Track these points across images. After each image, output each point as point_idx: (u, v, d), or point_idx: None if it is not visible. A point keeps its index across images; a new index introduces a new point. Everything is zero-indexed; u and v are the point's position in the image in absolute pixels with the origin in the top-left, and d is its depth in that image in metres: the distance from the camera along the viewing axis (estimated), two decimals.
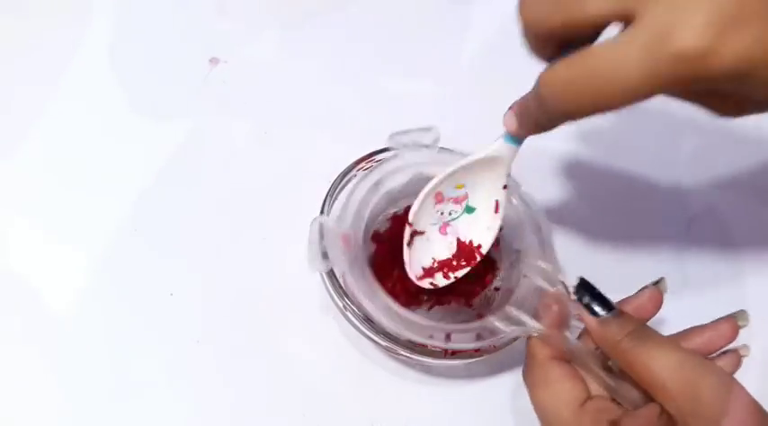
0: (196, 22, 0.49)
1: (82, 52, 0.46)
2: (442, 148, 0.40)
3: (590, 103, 0.25)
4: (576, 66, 0.24)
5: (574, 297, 0.32)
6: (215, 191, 0.42)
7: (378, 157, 0.39)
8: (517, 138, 0.33)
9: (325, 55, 0.50)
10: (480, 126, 0.49)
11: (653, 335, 0.31)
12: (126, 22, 0.48)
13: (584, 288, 0.32)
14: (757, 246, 0.46)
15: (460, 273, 0.37)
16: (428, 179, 0.39)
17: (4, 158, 0.41)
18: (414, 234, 0.37)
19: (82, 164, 0.42)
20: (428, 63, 0.51)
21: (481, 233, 0.37)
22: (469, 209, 0.37)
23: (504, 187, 0.36)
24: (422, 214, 0.37)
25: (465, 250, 0.37)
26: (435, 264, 0.37)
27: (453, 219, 0.37)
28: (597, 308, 0.31)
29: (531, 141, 0.33)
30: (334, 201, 0.37)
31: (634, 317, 0.32)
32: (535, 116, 0.29)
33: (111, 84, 0.45)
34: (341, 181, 0.38)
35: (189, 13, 0.50)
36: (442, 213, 0.37)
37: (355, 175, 0.38)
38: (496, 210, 0.37)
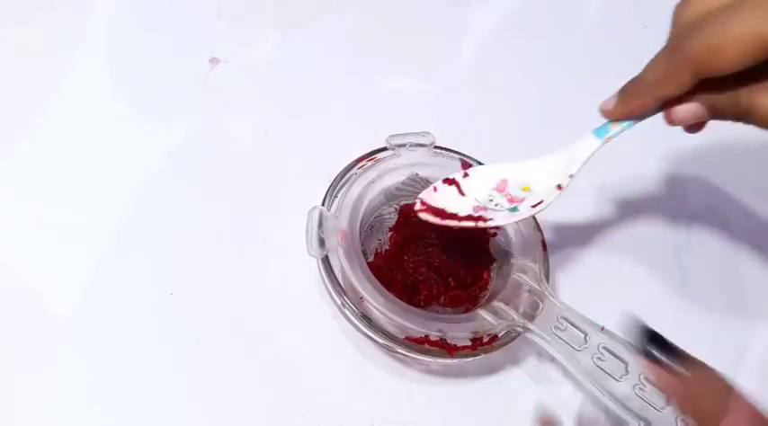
0: (196, 23, 0.49)
1: (82, 52, 0.47)
2: (438, 149, 0.41)
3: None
4: None
5: (638, 349, 0.29)
6: (215, 191, 0.42)
7: (378, 156, 0.39)
8: (603, 130, 0.32)
9: (325, 55, 0.50)
10: (479, 126, 0.49)
11: (735, 394, 0.26)
12: (126, 21, 0.49)
13: (652, 339, 0.28)
14: (757, 246, 0.46)
15: (439, 221, 0.35)
16: (424, 180, 0.40)
17: (4, 158, 0.41)
18: (457, 184, 0.36)
19: (82, 164, 0.42)
20: (428, 63, 0.51)
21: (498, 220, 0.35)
22: (514, 209, 0.35)
23: (559, 187, 0.34)
24: (480, 183, 0.36)
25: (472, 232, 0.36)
26: (438, 209, 0.36)
27: (493, 210, 0.35)
28: (670, 362, 0.28)
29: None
30: (334, 199, 0.38)
31: (713, 369, 0.28)
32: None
33: (111, 84, 0.45)
34: (341, 178, 0.38)
35: (189, 13, 0.50)
36: (491, 200, 0.35)
37: (355, 174, 0.39)
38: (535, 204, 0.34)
